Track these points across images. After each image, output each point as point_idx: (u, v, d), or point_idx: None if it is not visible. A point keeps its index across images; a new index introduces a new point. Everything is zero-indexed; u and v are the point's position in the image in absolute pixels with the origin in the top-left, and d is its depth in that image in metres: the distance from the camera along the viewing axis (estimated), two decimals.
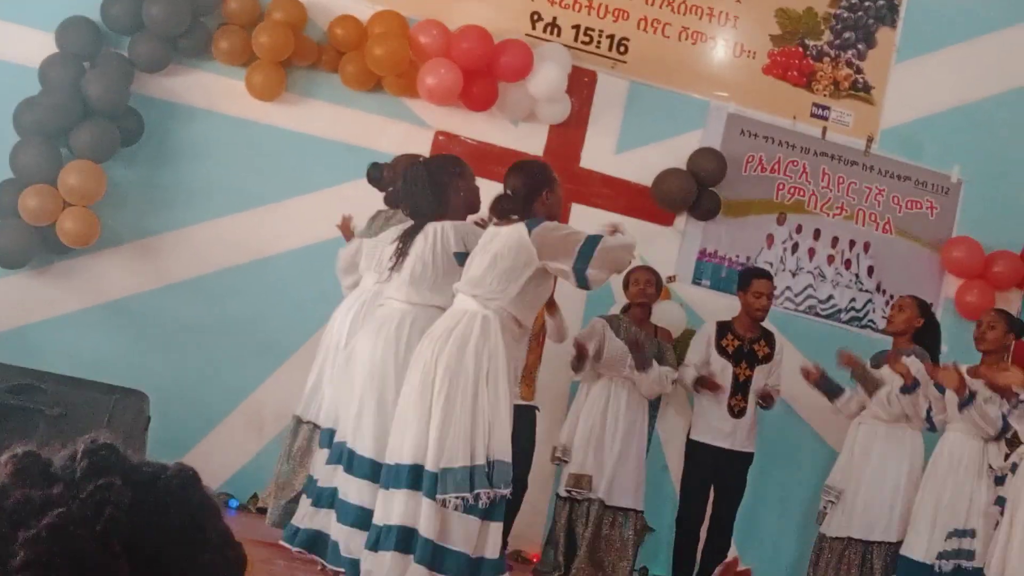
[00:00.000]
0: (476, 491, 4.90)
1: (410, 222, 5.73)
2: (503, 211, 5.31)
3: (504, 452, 5.00)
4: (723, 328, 7.46)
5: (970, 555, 6.53)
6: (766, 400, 7.36)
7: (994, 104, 8.44)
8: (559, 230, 5.24)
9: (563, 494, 7.17)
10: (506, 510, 5.39)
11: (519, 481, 6.65)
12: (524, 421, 6.68)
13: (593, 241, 5.10)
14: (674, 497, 7.63)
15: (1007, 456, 6.64)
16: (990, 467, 6.64)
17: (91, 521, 1.02)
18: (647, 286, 7.30)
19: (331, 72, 7.76)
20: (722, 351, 7.41)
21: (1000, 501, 6.46)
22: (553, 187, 5.37)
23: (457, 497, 4.90)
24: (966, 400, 6.60)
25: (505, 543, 5.80)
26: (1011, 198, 8.37)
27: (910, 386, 6.90)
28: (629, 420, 7.22)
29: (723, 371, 7.37)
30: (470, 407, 4.97)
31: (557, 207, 5.41)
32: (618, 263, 5.34)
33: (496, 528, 5.03)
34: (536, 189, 5.31)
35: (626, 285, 7.36)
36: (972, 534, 6.57)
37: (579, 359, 7.19)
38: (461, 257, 5.42)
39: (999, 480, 6.61)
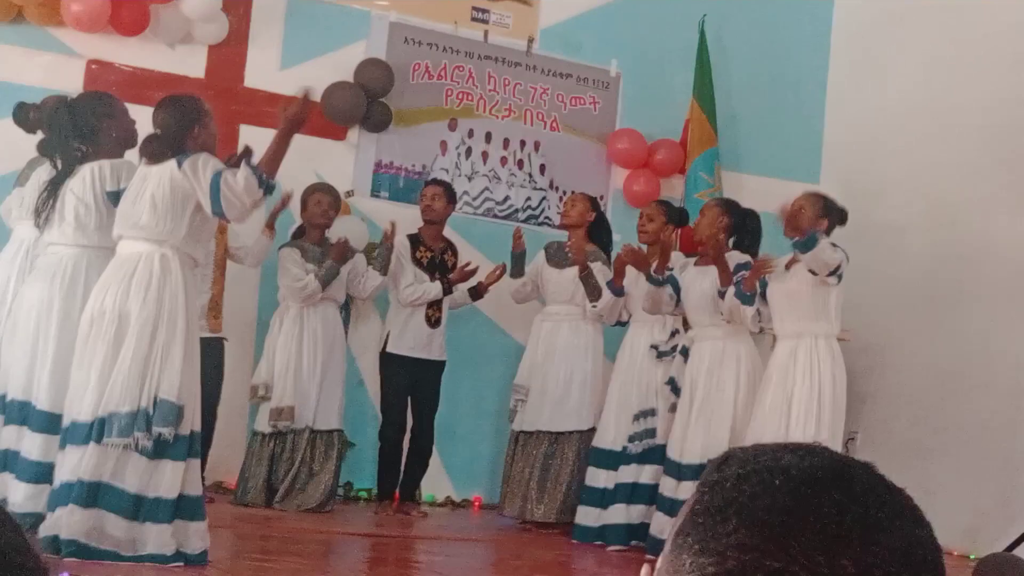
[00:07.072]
0: (135, 435, 4.74)
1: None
2: (154, 153, 5.07)
3: (171, 391, 4.82)
4: (414, 241, 7.52)
5: (652, 433, 6.85)
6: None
7: None
8: (207, 160, 4.99)
9: (268, 430, 7.10)
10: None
11: (209, 414, 6.52)
12: (212, 353, 6.54)
13: (227, 172, 4.93)
14: (373, 411, 7.66)
15: (674, 334, 6.97)
16: (653, 346, 6.95)
17: None
18: (329, 208, 7.31)
19: None
20: (418, 263, 7.48)
21: (671, 381, 6.77)
22: (204, 121, 5.13)
23: (120, 442, 4.75)
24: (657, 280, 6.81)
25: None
26: (667, 87, 8.70)
27: (620, 288, 7.09)
28: (327, 342, 7.23)
29: (423, 283, 7.43)
30: (145, 348, 4.81)
31: (211, 141, 5.16)
32: (245, 199, 4.99)
33: (175, 467, 4.84)
34: (186, 125, 5.06)
35: (304, 206, 7.32)
36: (653, 412, 6.88)
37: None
38: (115, 196, 5.20)
39: (660, 354, 6.92)
